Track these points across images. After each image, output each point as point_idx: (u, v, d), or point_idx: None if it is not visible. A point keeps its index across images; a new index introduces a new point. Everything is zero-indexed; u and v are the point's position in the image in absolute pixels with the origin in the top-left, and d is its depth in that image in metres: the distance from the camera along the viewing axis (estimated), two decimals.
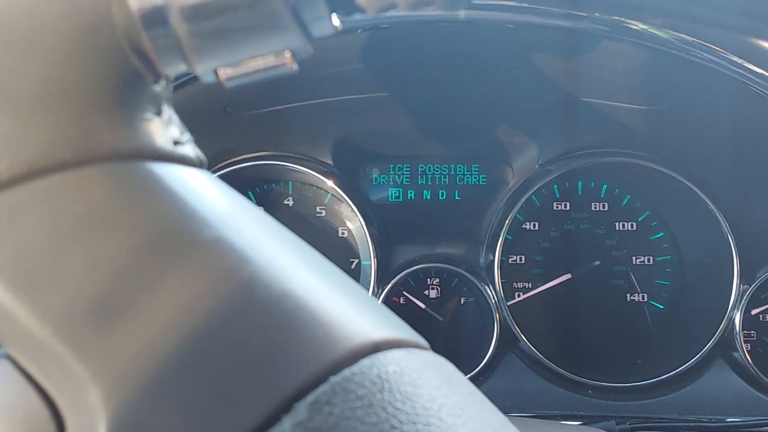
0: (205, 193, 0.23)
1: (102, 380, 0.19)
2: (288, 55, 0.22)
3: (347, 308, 0.22)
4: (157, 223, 0.21)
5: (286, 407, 0.19)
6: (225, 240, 0.21)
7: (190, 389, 0.19)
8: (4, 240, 0.20)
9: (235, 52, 0.22)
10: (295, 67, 0.23)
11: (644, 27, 0.65)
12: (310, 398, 0.19)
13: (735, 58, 0.65)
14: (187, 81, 0.66)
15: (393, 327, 0.23)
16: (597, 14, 0.64)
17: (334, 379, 0.20)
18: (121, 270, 0.20)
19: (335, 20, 0.22)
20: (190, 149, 0.24)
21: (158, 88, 0.24)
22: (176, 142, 0.23)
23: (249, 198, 0.92)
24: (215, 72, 0.23)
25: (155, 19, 0.21)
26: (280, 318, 0.21)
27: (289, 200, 0.95)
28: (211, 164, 0.88)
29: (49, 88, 0.21)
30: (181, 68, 0.23)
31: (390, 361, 0.21)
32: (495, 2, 0.61)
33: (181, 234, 0.21)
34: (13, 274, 0.20)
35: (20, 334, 0.20)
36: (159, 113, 0.24)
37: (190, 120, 0.26)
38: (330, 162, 0.92)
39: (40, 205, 0.20)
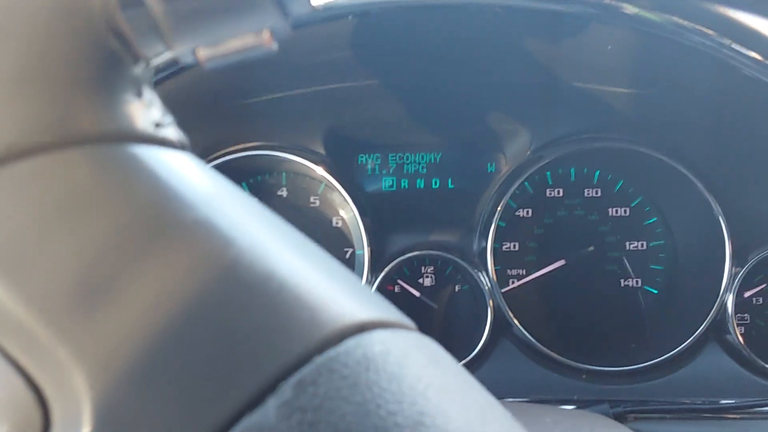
0: (187, 176, 0.23)
1: (86, 363, 0.19)
2: (267, 34, 0.22)
3: (332, 289, 0.22)
4: (139, 206, 0.21)
5: (271, 387, 0.19)
6: (208, 222, 0.21)
7: (175, 371, 0.19)
8: None
9: (213, 32, 0.22)
10: (274, 46, 0.23)
11: (636, 10, 0.65)
12: (294, 378, 0.19)
13: (726, 41, 0.65)
14: (177, 71, 0.66)
15: (378, 308, 0.23)
16: None
17: (318, 359, 0.20)
18: (103, 253, 0.20)
19: None
20: (171, 131, 0.24)
21: (138, 70, 0.23)
22: (157, 125, 0.23)
23: (243, 189, 0.92)
24: (194, 53, 0.22)
25: None
26: (264, 299, 0.20)
27: (282, 191, 0.95)
28: (203, 155, 0.87)
29: (27, 71, 0.21)
30: (159, 49, 0.22)
31: (375, 341, 0.21)
32: None
33: (163, 216, 0.21)
34: None
35: (2, 317, 0.20)
36: (139, 95, 0.23)
37: (180, 110, 0.26)
38: (322, 151, 0.92)
39: (20, 188, 0.20)
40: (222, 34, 0.22)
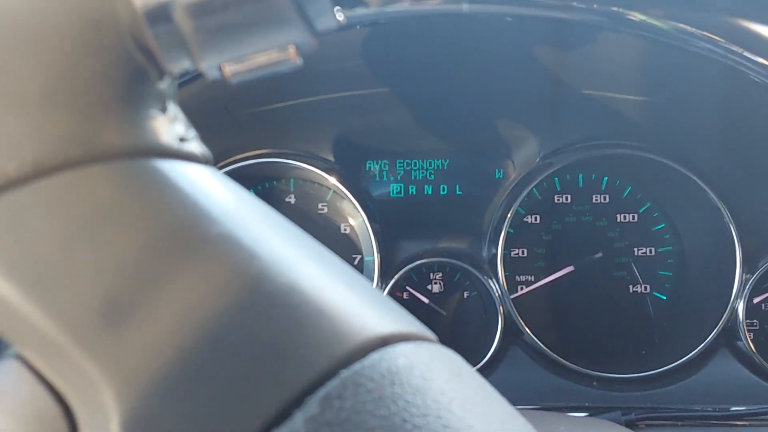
0: (212, 190, 0.23)
1: (113, 378, 0.19)
2: (292, 49, 0.22)
3: (355, 302, 0.22)
4: (165, 221, 0.21)
5: (297, 402, 0.19)
6: (232, 236, 0.21)
7: (202, 385, 0.19)
8: (15, 239, 0.20)
9: (240, 48, 0.22)
10: (299, 61, 0.23)
11: (643, 18, 0.65)
12: (321, 393, 0.19)
13: (734, 48, 0.65)
14: (188, 80, 0.66)
15: (401, 320, 0.23)
16: (595, 5, 0.64)
17: (344, 373, 0.20)
18: (131, 268, 0.20)
19: (339, 14, 0.22)
20: (195, 146, 0.24)
21: (163, 85, 0.24)
22: (182, 139, 0.23)
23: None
24: (220, 68, 0.23)
25: (159, 15, 0.21)
26: (289, 313, 0.21)
27: (291, 197, 0.95)
28: (213, 162, 0.88)
29: (55, 87, 0.21)
30: (185, 65, 0.23)
31: (399, 354, 0.21)
32: None
33: (189, 231, 0.21)
34: (23, 273, 0.20)
35: (31, 333, 0.20)
36: (164, 110, 0.24)
37: (191, 118, 0.26)
38: (331, 158, 0.92)
39: (48, 203, 0.20)
40: (248, 50, 0.22)
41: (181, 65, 0.23)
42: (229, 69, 0.23)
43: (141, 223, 0.21)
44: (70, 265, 0.20)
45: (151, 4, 0.21)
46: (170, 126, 0.23)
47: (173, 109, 0.24)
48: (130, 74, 0.22)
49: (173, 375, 0.19)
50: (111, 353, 0.19)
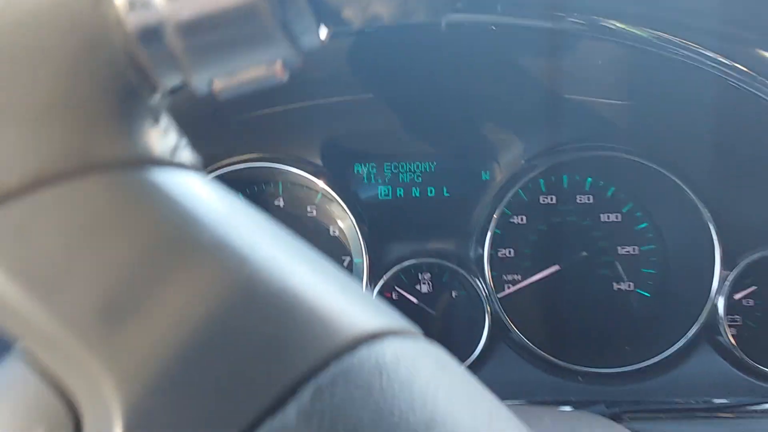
0: (203, 197, 0.24)
1: (116, 373, 0.20)
2: (279, 65, 0.24)
3: (343, 301, 0.24)
4: (160, 227, 0.22)
5: (291, 392, 0.20)
6: (225, 241, 0.22)
7: (200, 379, 0.20)
8: (19, 245, 0.21)
9: (229, 65, 0.23)
10: (285, 76, 0.24)
11: (622, 26, 0.67)
12: (312, 385, 0.21)
13: (710, 54, 0.67)
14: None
15: (387, 317, 0.25)
16: (576, 14, 0.66)
17: (334, 366, 0.21)
18: (129, 270, 0.21)
19: (323, 32, 0.24)
20: (187, 154, 0.25)
21: (155, 99, 0.25)
22: (174, 149, 0.25)
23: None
24: (209, 84, 0.24)
25: (152, 36, 0.22)
26: (281, 311, 0.22)
27: (279, 201, 0.96)
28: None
29: (54, 103, 0.22)
30: (177, 80, 0.24)
31: (387, 348, 0.23)
32: (476, 6, 0.62)
33: (184, 237, 0.22)
34: (28, 275, 0.21)
35: (36, 332, 0.21)
36: (157, 122, 0.25)
37: (180, 123, 0.27)
38: (320, 162, 0.93)
39: (50, 211, 0.21)
40: (237, 66, 0.23)
41: (173, 81, 0.24)
42: (218, 84, 0.24)
43: (137, 228, 0.22)
44: (72, 269, 0.21)
45: (143, 25, 0.22)
46: (163, 137, 0.25)
47: (165, 120, 0.25)
48: (124, 90, 0.23)
49: (172, 369, 0.20)
50: (112, 349, 0.20)
